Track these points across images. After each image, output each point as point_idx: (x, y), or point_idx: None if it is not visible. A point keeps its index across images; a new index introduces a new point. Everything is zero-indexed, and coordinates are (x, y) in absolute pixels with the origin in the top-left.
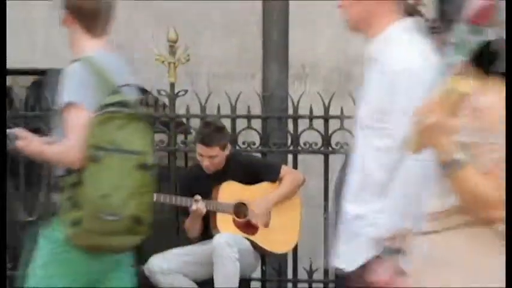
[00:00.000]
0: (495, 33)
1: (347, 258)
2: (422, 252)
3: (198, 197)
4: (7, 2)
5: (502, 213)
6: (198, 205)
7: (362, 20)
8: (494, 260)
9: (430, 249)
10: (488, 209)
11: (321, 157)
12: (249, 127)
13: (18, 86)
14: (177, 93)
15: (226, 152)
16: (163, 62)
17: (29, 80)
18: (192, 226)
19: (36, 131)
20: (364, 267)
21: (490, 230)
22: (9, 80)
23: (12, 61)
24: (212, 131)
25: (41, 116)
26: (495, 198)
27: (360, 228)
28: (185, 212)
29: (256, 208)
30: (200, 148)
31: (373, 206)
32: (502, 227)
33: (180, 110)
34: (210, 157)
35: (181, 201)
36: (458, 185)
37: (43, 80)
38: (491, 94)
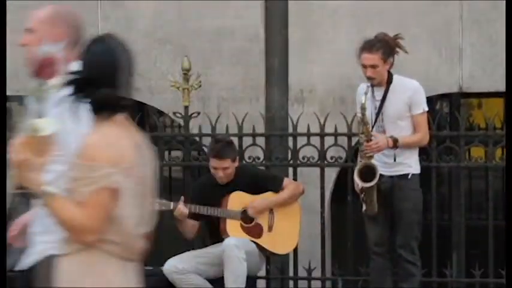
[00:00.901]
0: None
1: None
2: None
3: (182, 197)
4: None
5: (98, 236)
6: (179, 206)
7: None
8: (104, 277)
9: (56, 273)
10: (84, 234)
11: (318, 170)
12: (254, 144)
13: None
14: (191, 115)
15: (236, 164)
16: (178, 88)
17: None
18: (182, 228)
19: None
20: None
21: (102, 251)
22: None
23: None
24: (223, 146)
25: None
26: (89, 225)
27: None
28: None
29: (256, 202)
30: (214, 162)
31: None
32: (109, 247)
33: (194, 129)
34: (224, 169)
35: (166, 205)
36: (54, 214)
37: None
38: (95, 134)
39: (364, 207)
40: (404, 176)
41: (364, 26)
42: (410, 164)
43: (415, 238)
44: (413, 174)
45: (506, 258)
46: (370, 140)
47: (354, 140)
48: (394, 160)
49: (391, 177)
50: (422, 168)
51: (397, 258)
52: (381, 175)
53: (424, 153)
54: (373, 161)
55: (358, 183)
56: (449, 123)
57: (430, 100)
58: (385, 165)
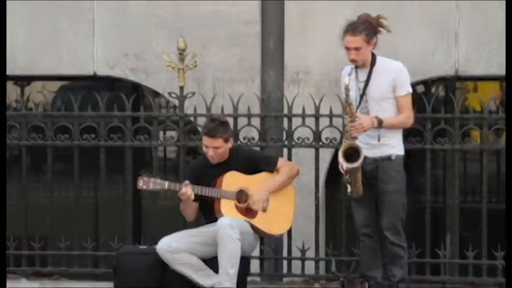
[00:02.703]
0: None
1: None
2: None
3: (186, 182)
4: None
5: None
6: (187, 189)
7: None
8: None
9: None
10: None
11: (313, 151)
12: (249, 125)
13: (46, 91)
14: (186, 95)
15: (229, 144)
16: (173, 68)
17: (56, 85)
18: (185, 210)
19: (62, 128)
20: None
21: None
22: (40, 85)
23: (43, 69)
24: (216, 125)
25: (67, 116)
26: None
27: None
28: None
29: (256, 195)
30: (206, 140)
31: None
32: None
33: (189, 110)
34: (215, 148)
35: (170, 186)
36: None
37: (69, 85)
38: None
39: (348, 189)
40: (388, 158)
41: (361, 9)
42: (393, 145)
43: (400, 220)
44: (397, 156)
45: (506, 257)
46: (355, 121)
47: None
48: (378, 141)
49: (375, 158)
50: (417, 150)
51: (383, 241)
52: (365, 157)
53: (418, 135)
54: (358, 142)
55: (343, 164)
56: (445, 106)
57: (426, 83)
58: (369, 146)
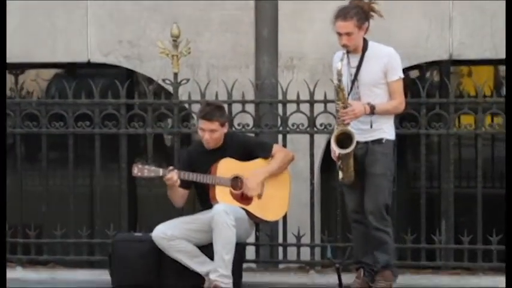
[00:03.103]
0: None
1: None
2: None
3: (171, 167)
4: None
5: None
6: (172, 174)
7: None
8: None
9: None
10: None
11: (307, 137)
12: (244, 111)
13: (40, 79)
14: (180, 82)
15: (225, 129)
16: (167, 55)
17: (50, 73)
18: (171, 196)
19: (56, 116)
20: None
21: None
22: (34, 73)
23: (36, 57)
24: (213, 109)
25: (61, 104)
26: None
27: None
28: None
29: (249, 182)
30: (202, 123)
31: None
32: None
33: (183, 96)
34: (211, 131)
35: (156, 172)
36: None
37: (64, 72)
38: None
39: (340, 175)
40: (378, 141)
41: None
42: (384, 130)
43: (385, 205)
44: (387, 140)
45: (506, 258)
46: (347, 107)
47: None
48: (371, 127)
49: (366, 142)
50: (411, 135)
51: (368, 225)
52: (357, 142)
53: (413, 120)
54: (350, 128)
55: (335, 149)
56: (439, 91)
57: (420, 68)
58: (361, 131)
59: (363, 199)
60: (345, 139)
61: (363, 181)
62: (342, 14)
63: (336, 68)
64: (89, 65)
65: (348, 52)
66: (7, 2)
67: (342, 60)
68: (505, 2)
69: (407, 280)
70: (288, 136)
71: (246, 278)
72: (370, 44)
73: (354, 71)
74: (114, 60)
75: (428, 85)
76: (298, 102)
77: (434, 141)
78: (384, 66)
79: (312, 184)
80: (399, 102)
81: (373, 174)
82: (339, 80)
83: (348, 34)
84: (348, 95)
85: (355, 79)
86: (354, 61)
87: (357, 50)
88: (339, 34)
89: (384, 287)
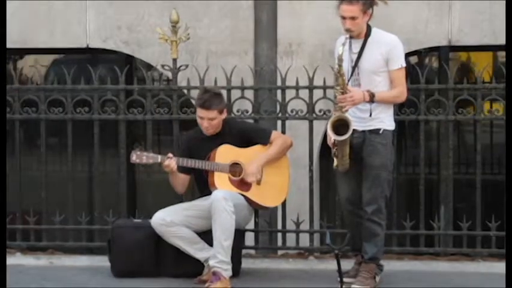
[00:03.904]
0: None
1: None
2: None
3: (170, 154)
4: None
5: None
6: (170, 161)
7: None
8: None
9: None
10: None
11: (306, 123)
12: (243, 97)
13: (39, 65)
14: (179, 67)
15: (223, 116)
16: (166, 40)
17: (49, 59)
18: (173, 182)
19: (55, 101)
20: None
21: None
22: (33, 59)
23: (35, 42)
24: (211, 96)
25: (60, 89)
26: None
27: None
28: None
29: (249, 168)
30: (200, 111)
31: None
32: None
33: (182, 82)
34: (209, 119)
35: (154, 158)
36: None
37: (62, 58)
38: None
39: (335, 163)
40: (376, 131)
41: None
42: (383, 119)
43: (383, 197)
44: (385, 130)
45: (506, 258)
46: (346, 93)
47: None
48: (370, 115)
49: (364, 131)
50: (410, 121)
51: (363, 215)
52: (354, 130)
53: (412, 106)
54: (347, 115)
55: (331, 136)
56: (438, 77)
57: (419, 54)
58: (360, 119)
59: (357, 189)
60: (341, 126)
61: (359, 170)
62: None
63: (337, 52)
64: (87, 50)
65: (350, 37)
66: None
67: (343, 45)
68: None
69: (407, 266)
70: (287, 122)
71: (245, 264)
72: (374, 30)
73: (355, 56)
74: (113, 45)
75: (428, 71)
76: (297, 88)
77: (434, 127)
78: (385, 53)
79: (311, 170)
80: (400, 92)
81: (372, 166)
82: (340, 66)
83: (353, 18)
84: (348, 81)
85: (355, 65)
86: (356, 47)
87: (360, 36)
88: (343, 18)
89: (366, 277)
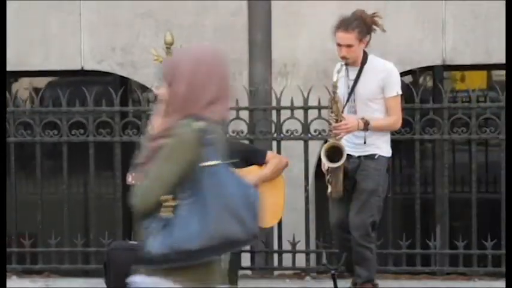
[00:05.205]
0: None
1: None
2: None
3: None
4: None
5: None
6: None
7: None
8: None
9: None
10: None
11: (301, 143)
12: (238, 117)
13: (34, 87)
14: None
15: None
16: (161, 62)
17: (44, 81)
18: None
19: (50, 124)
20: None
21: None
22: (27, 81)
23: (30, 65)
24: None
25: (55, 112)
26: None
27: None
28: None
29: None
30: None
31: None
32: None
33: None
34: None
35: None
36: None
37: (57, 81)
38: None
39: (329, 189)
40: (371, 156)
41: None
42: (378, 146)
43: (371, 223)
44: (380, 156)
45: (506, 258)
46: (340, 121)
47: None
48: (364, 143)
49: (359, 157)
50: (406, 140)
51: (352, 240)
52: (349, 155)
53: (407, 125)
54: (341, 141)
55: (325, 163)
56: (433, 96)
57: (414, 73)
58: (355, 145)
59: (347, 215)
60: (335, 152)
61: (351, 197)
62: (343, 25)
63: (333, 79)
64: (82, 72)
65: (346, 64)
66: None
67: (338, 72)
68: (498, 6)
69: (403, 285)
70: (282, 143)
71: (242, 284)
72: (370, 57)
73: (351, 83)
74: (108, 67)
75: (422, 90)
76: (292, 108)
77: (429, 146)
78: (381, 81)
79: (306, 190)
80: (395, 120)
81: (362, 190)
82: (334, 92)
83: (348, 46)
84: (344, 107)
85: (352, 92)
86: (353, 74)
87: (356, 63)
88: (339, 45)
89: None
